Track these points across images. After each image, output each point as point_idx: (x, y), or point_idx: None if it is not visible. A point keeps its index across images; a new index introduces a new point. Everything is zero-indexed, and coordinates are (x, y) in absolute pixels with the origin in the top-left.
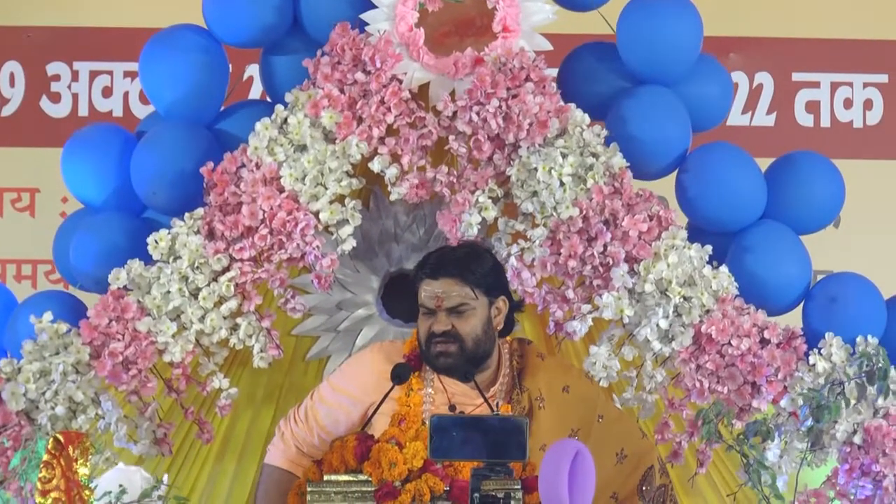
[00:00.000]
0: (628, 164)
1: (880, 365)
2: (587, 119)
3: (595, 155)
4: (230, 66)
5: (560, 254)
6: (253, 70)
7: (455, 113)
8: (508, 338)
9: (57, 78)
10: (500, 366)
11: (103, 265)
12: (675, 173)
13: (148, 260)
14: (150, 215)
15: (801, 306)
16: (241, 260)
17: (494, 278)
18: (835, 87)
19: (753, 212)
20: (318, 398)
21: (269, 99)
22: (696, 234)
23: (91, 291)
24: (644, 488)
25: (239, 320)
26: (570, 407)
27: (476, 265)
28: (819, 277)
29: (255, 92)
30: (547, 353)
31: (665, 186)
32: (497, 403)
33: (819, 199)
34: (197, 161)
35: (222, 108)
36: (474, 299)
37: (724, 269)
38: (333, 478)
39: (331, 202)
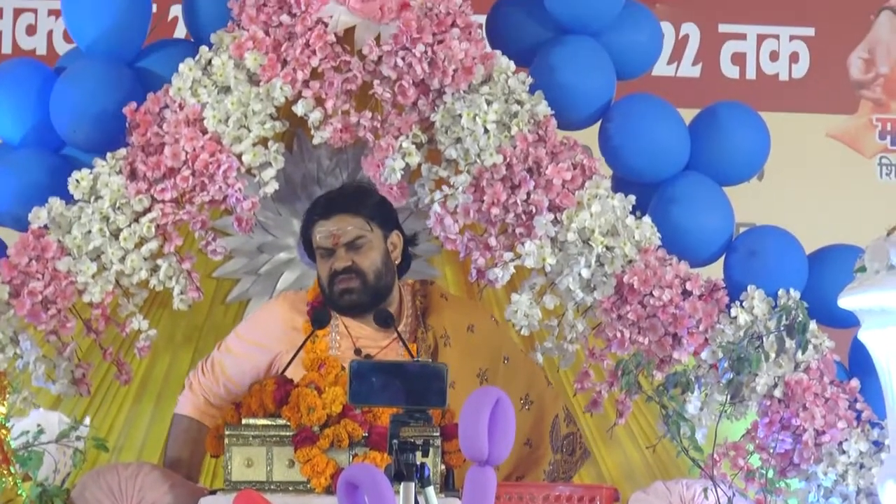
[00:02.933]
0: (553, 112)
1: (800, 319)
2: (512, 66)
3: (520, 102)
4: (154, 5)
5: (483, 201)
6: (177, 10)
7: (380, 58)
8: (410, 280)
9: None
10: (402, 305)
11: (22, 202)
12: (598, 123)
13: (67, 197)
14: (68, 152)
15: (723, 259)
16: (163, 201)
17: (385, 211)
18: (761, 39)
19: (676, 163)
20: (225, 349)
21: (191, 39)
22: (620, 184)
23: (9, 228)
24: (552, 437)
25: (159, 261)
26: (475, 346)
27: (365, 198)
28: (742, 230)
29: (180, 33)
30: (455, 296)
31: (588, 138)
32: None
33: (743, 150)
34: (118, 99)
35: (144, 46)
36: (370, 231)
37: (647, 219)
38: (252, 421)
39: (254, 144)
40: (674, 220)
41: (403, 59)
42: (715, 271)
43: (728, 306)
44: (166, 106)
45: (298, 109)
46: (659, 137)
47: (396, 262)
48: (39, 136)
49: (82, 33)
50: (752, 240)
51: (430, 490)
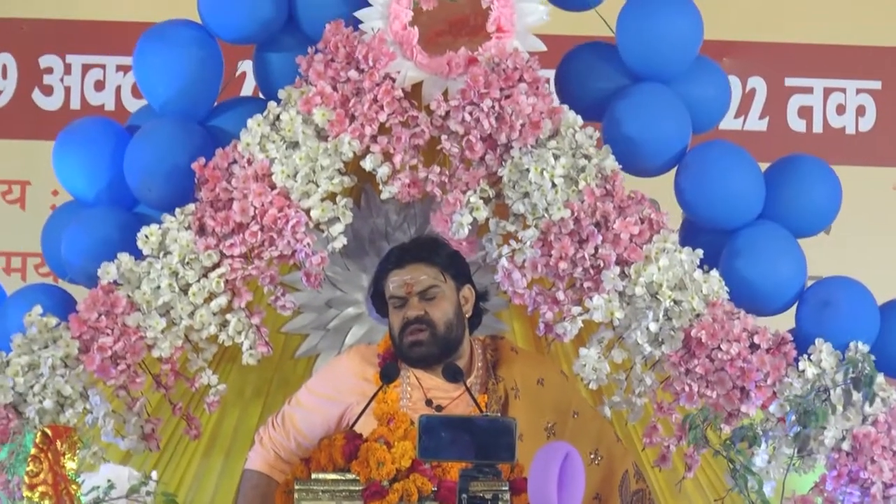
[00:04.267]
0: (625, 162)
1: (867, 371)
2: (580, 120)
3: (587, 157)
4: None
5: (551, 255)
6: (246, 66)
7: (448, 112)
8: (480, 336)
9: (49, 71)
10: (472, 359)
11: (94, 259)
12: (673, 171)
13: (138, 255)
14: (141, 210)
15: (794, 309)
16: (232, 256)
17: (458, 264)
18: (828, 92)
19: (751, 211)
20: (296, 402)
21: (261, 95)
22: (691, 231)
23: (81, 285)
24: (621, 493)
25: (228, 316)
26: (544, 399)
27: (439, 249)
28: (810, 283)
29: (248, 88)
30: (523, 349)
31: (663, 185)
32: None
33: (817, 202)
34: (190, 157)
35: (216, 105)
36: (443, 282)
37: (714, 273)
38: (321, 476)
39: (322, 200)
40: (747, 269)
41: (471, 113)
42: (785, 322)
43: (796, 360)
44: (235, 161)
45: (366, 164)
46: (735, 184)
47: (468, 316)
48: (113, 194)
49: (154, 92)
50: (824, 290)
51: None
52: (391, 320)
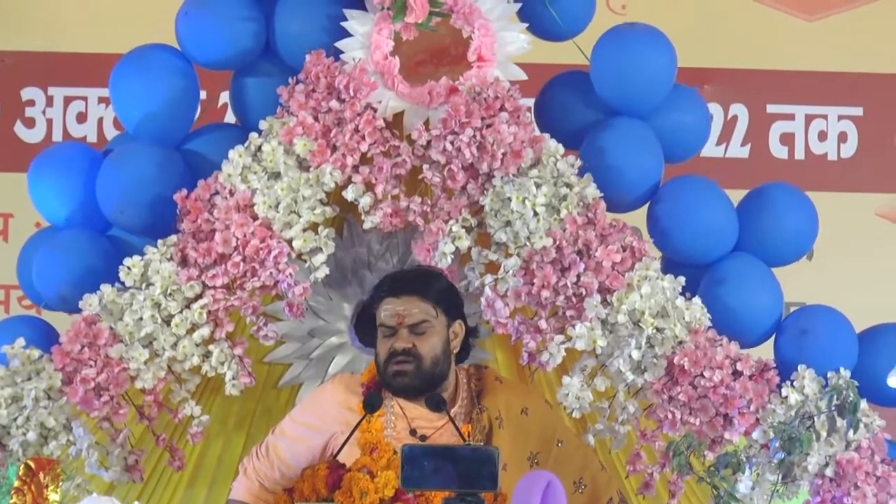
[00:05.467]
0: (602, 194)
1: (851, 398)
2: (561, 149)
3: (569, 185)
4: (204, 92)
5: (533, 284)
6: (227, 96)
7: (429, 142)
8: (465, 365)
9: (31, 103)
10: (457, 388)
11: (68, 283)
12: (647, 205)
13: (114, 280)
14: (115, 233)
15: (773, 339)
16: (214, 287)
17: (452, 299)
18: (809, 119)
19: (725, 244)
20: (280, 432)
21: (238, 122)
22: (669, 266)
23: (56, 310)
24: None
25: (211, 347)
26: (528, 429)
27: (435, 283)
28: (792, 309)
29: (229, 119)
30: (507, 378)
31: (637, 219)
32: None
33: (791, 231)
34: (164, 181)
35: (191, 130)
36: (434, 317)
37: (696, 300)
38: None
39: (304, 230)
40: (723, 301)
41: (452, 143)
42: (765, 352)
43: (779, 386)
44: (216, 192)
45: (348, 195)
46: (707, 219)
47: (455, 352)
48: (85, 217)
49: (129, 115)
50: (802, 319)
51: None
52: (378, 348)
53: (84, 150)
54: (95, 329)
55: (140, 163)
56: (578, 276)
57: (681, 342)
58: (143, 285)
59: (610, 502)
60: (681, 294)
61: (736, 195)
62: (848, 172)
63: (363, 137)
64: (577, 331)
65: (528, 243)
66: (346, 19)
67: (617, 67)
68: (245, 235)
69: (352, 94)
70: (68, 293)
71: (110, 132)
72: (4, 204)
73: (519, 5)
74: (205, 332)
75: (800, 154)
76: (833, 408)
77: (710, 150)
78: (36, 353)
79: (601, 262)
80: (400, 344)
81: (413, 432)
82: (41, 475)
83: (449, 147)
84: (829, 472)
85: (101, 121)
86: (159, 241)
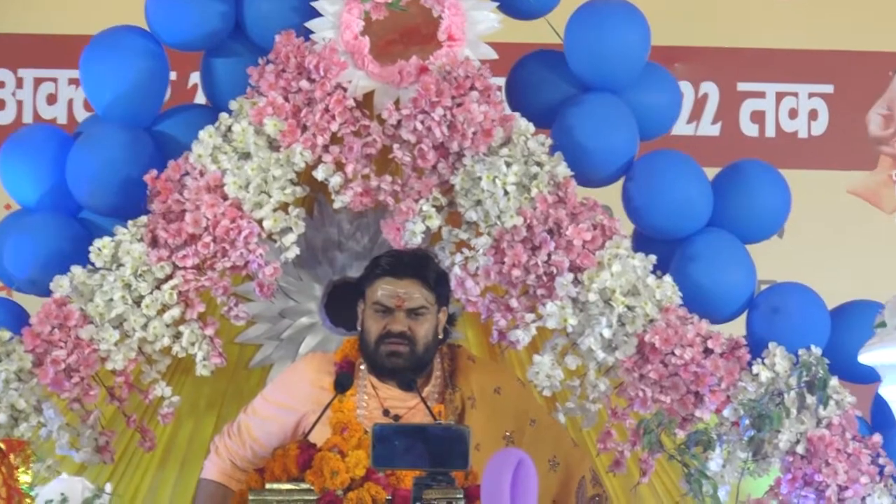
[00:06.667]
0: (574, 172)
1: (821, 375)
2: (532, 128)
3: (539, 164)
4: (174, 73)
5: (504, 263)
6: (197, 77)
7: (399, 121)
8: None
9: (1, 85)
10: (431, 368)
11: (38, 266)
12: (621, 181)
13: (84, 263)
14: (85, 216)
15: (745, 315)
16: (185, 268)
17: (445, 287)
18: (780, 97)
19: (699, 219)
20: (251, 411)
21: (209, 103)
22: (642, 241)
23: (27, 293)
24: (578, 498)
25: (182, 328)
26: (501, 408)
27: (434, 269)
28: (763, 287)
29: (200, 100)
30: (479, 357)
31: (611, 194)
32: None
33: (765, 208)
34: (135, 163)
35: (162, 111)
36: (432, 304)
37: (667, 278)
38: (275, 486)
39: (274, 210)
40: (696, 277)
41: (423, 122)
42: (737, 328)
43: (750, 363)
44: (187, 173)
45: (319, 174)
46: (682, 194)
47: (440, 337)
48: (55, 200)
49: (99, 97)
50: (774, 296)
51: None
52: (368, 325)
53: (54, 133)
54: (66, 310)
55: (110, 144)
56: (549, 255)
57: (651, 320)
58: (114, 266)
59: (582, 480)
60: (652, 272)
61: (708, 173)
62: (819, 150)
63: (333, 117)
64: (547, 309)
65: (498, 222)
66: None
67: (591, 42)
68: (215, 216)
69: (322, 74)
70: (39, 276)
71: (81, 114)
72: None
73: None
74: (175, 312)
75: (770, 132)
76: (802, 384)
77: (681, 128)
78: (6, 334)
79: (572, 240)
80: (397, 326)
81: (386, 412)
82: (12, 457)
83: (419, 126)
84: (800, 449)
85: (71, 102)
86: (129, 222)
